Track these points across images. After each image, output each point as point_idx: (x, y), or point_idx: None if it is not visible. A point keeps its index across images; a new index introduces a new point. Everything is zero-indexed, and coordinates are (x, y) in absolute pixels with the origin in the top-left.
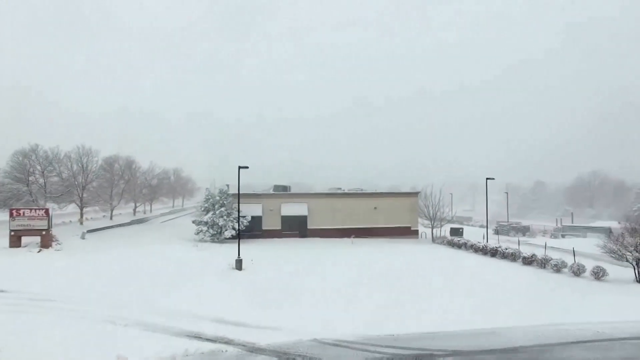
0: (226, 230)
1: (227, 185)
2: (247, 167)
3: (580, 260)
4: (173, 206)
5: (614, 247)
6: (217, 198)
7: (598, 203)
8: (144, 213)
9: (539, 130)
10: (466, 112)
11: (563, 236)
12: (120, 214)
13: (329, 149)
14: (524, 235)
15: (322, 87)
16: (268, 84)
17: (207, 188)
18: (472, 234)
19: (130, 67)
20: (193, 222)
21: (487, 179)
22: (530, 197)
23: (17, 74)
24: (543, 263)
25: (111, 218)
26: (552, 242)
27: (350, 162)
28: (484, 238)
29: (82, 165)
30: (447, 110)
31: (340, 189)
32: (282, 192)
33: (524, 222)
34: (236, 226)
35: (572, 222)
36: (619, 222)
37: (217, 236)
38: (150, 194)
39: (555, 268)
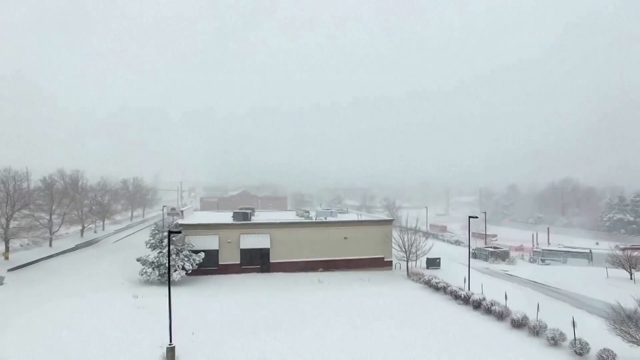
0: (175, 271)
1: (182, 211)
2: (179, 232)
3: (576, 315)
4: (131, 219)
5: (627, 329)
6: (165, 233)
7: (569, 211)
8: (95, 232)
9: (522, 132)
10: (454, 113)
11: (543, 261)
12: (67, 233)
13: (322, 147)
14: (503, 260)
15: (321, 84)
16: (267, 82)
17: (156, 223)
18: (449, 262)
19: (129, 66)
20: (138, 260)
21: (470, 217)
22: (503, 202)
23: (14, 71)
24: (536, 330)
25: (50, 244)
26: (533, 269)
27: (340, 161)
28: (465, 282)
29: (8, 192)
30: (436, 109)
31: (307, 212)
32: (242, 221)
33: (498, 231)
34: (187, 266)
35: (549, 238)
36: (597, 243)
37: (166, 276)
38: (101, 212)
39: (552, 341)
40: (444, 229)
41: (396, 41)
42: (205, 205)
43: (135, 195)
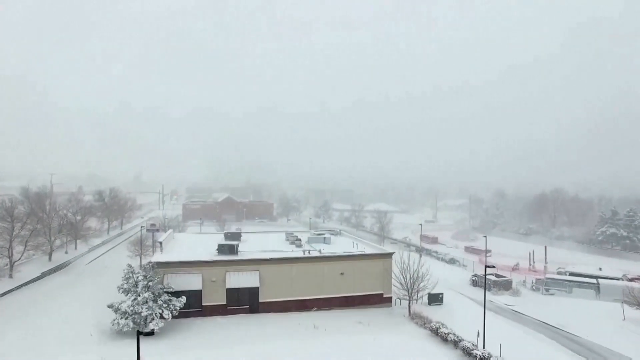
0: (152, 320)
1: (160, 243)
2: (152, 333)
3: None
4: (108, 232)
5: None
6: (140, 277)
7: (560, 220)
8: (66, 253)
9: (520, 134)
10: (454, 114)
11: (547, 290)
12: (34, 254)
13: (319, 147)
14: (506, 291)
15: (321, 85)
16: (267, 82)
17: (127, 266)
18: (450, 293)
19: (129, 65)
20: (109, 307)
21: (486, 266)
22: (493, 211)
23: (15, 71)
24: None
25: (11, 275)
26: (539, 302)
27: (334, 161)
28: (478, 336)
29: None
30: (436, 111)
31: (299, 239)
32: (228, 254)
33: (489, 241)
34: (166, 314)
35: (546, 257)
36: (600, 268)
37: (142, 326)
38: (72, 232)
39: None
40: (435, 240)
41: (397, 42)
42: (188, 213)
43: (112, 207)
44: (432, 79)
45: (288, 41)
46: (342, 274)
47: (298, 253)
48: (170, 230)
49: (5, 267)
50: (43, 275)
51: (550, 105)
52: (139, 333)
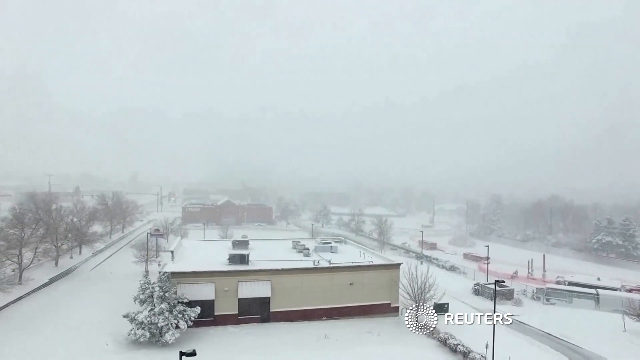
0: (168, 331)
1: (171, 252)
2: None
3: None
4: (110, 237)
5: None
6: (157, 287)
7: (556, 226)
8: (71, 258)
9: (520, 138)
10: (454, 117)
11: (547, 300)
12: (40, 260)
13: (317, 149)
14: (508, 300)
15: (322, 87)
16: (266, 84)
17: (143, 277)
18: (453, 302)
19: (128, 66)
20: (125, 316)
21: (496, 281)
22: (490, 217)
23: (16, 71)
24: None
25: (20, 281)
26: (542, 312)
27: (330, 163)
28: (487, 347)
29: None
30: (435, 114)
31: (307, 249)
32: (239, 264)
33: (485, 244)
34: (182, 324)
35: (544, 265)
36: (598, 279)
37: (158, 337)
38: (78, 237)
39: None
40: (433, 246)
41: (396, 44)
42: (188, 216)
43: (115, 211)
44: (432, 81)
45: (288, 42)
46: (351, 284)
47: (308, 263)
48: (179, 238)
49: (13, 273)
50: (51, 281)
51: (550, 108)
52: (181, 354)
